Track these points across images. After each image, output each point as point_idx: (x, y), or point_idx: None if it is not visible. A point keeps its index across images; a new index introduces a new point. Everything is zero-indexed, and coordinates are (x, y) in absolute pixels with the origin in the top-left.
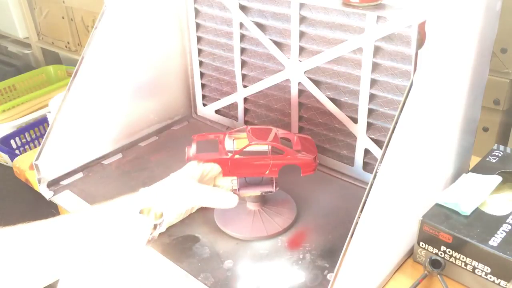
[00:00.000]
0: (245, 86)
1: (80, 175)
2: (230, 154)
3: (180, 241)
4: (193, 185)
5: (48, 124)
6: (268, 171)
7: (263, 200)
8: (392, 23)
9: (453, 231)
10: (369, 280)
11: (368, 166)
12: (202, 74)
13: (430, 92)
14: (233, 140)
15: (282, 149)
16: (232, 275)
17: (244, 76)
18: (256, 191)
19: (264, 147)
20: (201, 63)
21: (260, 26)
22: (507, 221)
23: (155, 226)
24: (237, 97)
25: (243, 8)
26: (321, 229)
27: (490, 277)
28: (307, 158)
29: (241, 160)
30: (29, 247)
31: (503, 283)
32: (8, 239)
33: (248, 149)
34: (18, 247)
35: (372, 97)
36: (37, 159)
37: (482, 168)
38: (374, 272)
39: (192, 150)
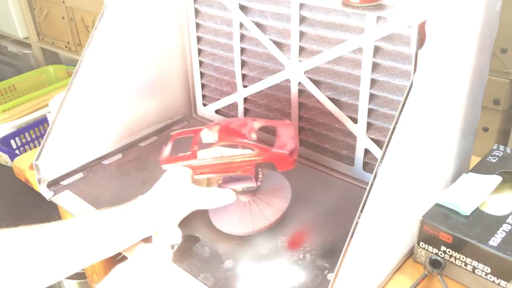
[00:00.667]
0: (245, 86)
1: (80, 175)
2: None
3: (179, 244)
4: (189, 189)
5: (48, 124)
6: (241, 170)
7: (256, 190)
8: (392, 23)
9: (453, 231)
10: (369, 280)
11: (368, 166)
12: (202, 74)
13: (430, 92)
14: (214, 132)
15: (253, 147)
16: (232, 275)
17: (244, 76)
18: (238, 187)
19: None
20: (201, 63)
21: (260, 26)
22: (507, 221)
23: (172, 246)
24: (237, 97)
25: (243, 8)
26: (321, 229)
27: (490, 277)
28: (281, 153)
29: (208, 162)
30: (37, 248)
31: (503, 283)
32: (11, 240)
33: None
34: (27, 248)
35: (372, 97)
36: (37, 159)
37: (482, 168)
38: (374, 272)
39: (166, 151)
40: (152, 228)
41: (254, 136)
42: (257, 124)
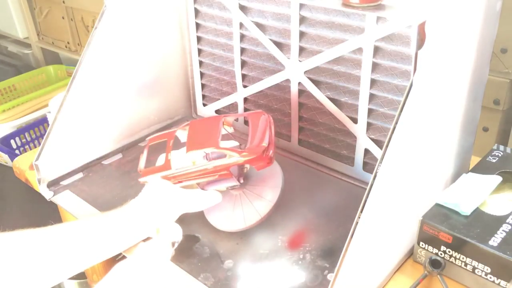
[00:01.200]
0: (245, 86)
1: (80, 175)
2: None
3: (180, 241)
4: (177, 193)
5: (48, 124)
6: (217, 175)
7: (246, 178)
8: (392, 23)
9: (453, 231)
10: (369, 280)
11: (368, 166)
12: (202, 74)
13: (430, 92)
14: (187, 132)
15: (224, 152)
16: (232, 275)
17: (244, 76)
18: (221, 187)
19: (232, 143)
20: (201, 63)
21: (260, 26)
22: (507, 221)
23: (173, 244)
24: (237, 97)
25: (243, 8)
26: (321, 229)
27: (490, 277)
28: (254, 153)
29: (182, 171)
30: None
31: (503, 283)
32: (9, 243)
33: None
34: (24, 251)
35: (372, 97)
36: (37, 159)
37: (482, 168)
38: (374, 272)
39: (142, 160)
40: (145, 232)
41: (230, 129)
42: (230, 118)
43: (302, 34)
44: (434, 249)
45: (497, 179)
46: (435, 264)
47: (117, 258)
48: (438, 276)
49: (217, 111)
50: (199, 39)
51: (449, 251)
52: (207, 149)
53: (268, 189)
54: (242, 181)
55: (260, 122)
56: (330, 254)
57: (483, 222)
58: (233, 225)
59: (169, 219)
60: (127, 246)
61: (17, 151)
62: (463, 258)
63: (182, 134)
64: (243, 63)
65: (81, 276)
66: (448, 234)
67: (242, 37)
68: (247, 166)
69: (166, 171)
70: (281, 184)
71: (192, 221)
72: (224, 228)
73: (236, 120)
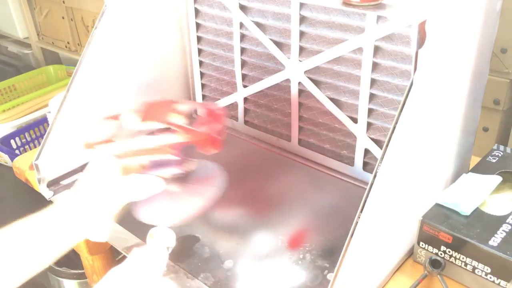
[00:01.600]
0: (245, 86)
1: (80, 175)
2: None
3: (180, 241)
4: (117, 182)
5: (48, 124)
6: (164, 153)
7: (185, 179)
8: (392, 23)
9: (453, 231)
10: (369, 280)
11: (368, 166)
12: (202, 74)
13: (430, 92)
14: (135, 115)
15: (175, 128)
16: (232, 275)
17: (244, 76)
18: (165, 173)
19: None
20: (201, 63)
21: (260, 26)
22: (507, 221)
23: (167, 249)
24: (237, 97)
25: (243, 8)
26: (321, 229)
27: (490, 277)
28: (205, 133)
29: (127, 145)
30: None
31: (503, 283)
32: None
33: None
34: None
35: (372, 97)
36: (37, 159)
37: (482, 168)
38: (374, 272)
39: (92, 136)
40: (83, 227)
41: (183, 121)
42: (185, 106)
43: (302, 34)
44: (434, 249)
45: (497, 179)
46: (435, 264)
47: (117, 258)
48: (438, 276)
49: None
50: (199, 39)
51: (449, 251)
52: (159, 123)
53: (208, 188)
54: (188, 170)
55: (211, 108)
56: (330, 254)
57: (483, 222)
58: (167, 219)
59: (109, 213)
60: (74, 241)
61: (17, 151)
62: (463, 258)
63: (128, 117)
64: (243, 63)
65: (81, 276)
66: (448, 234)
67: (242, 37)
68: (193, 163)
69: (109, 143)
70: (221, 184)
71: (192, 221)
72: (156, 223)
73: (195, 113)
